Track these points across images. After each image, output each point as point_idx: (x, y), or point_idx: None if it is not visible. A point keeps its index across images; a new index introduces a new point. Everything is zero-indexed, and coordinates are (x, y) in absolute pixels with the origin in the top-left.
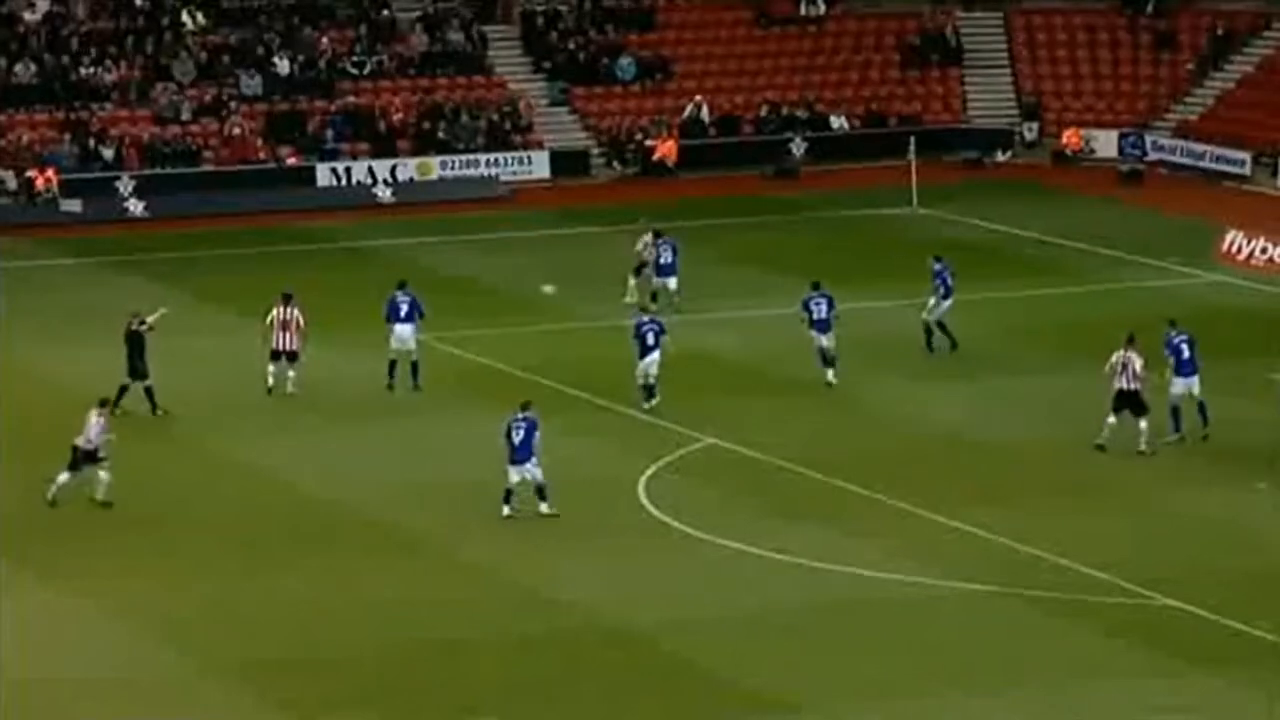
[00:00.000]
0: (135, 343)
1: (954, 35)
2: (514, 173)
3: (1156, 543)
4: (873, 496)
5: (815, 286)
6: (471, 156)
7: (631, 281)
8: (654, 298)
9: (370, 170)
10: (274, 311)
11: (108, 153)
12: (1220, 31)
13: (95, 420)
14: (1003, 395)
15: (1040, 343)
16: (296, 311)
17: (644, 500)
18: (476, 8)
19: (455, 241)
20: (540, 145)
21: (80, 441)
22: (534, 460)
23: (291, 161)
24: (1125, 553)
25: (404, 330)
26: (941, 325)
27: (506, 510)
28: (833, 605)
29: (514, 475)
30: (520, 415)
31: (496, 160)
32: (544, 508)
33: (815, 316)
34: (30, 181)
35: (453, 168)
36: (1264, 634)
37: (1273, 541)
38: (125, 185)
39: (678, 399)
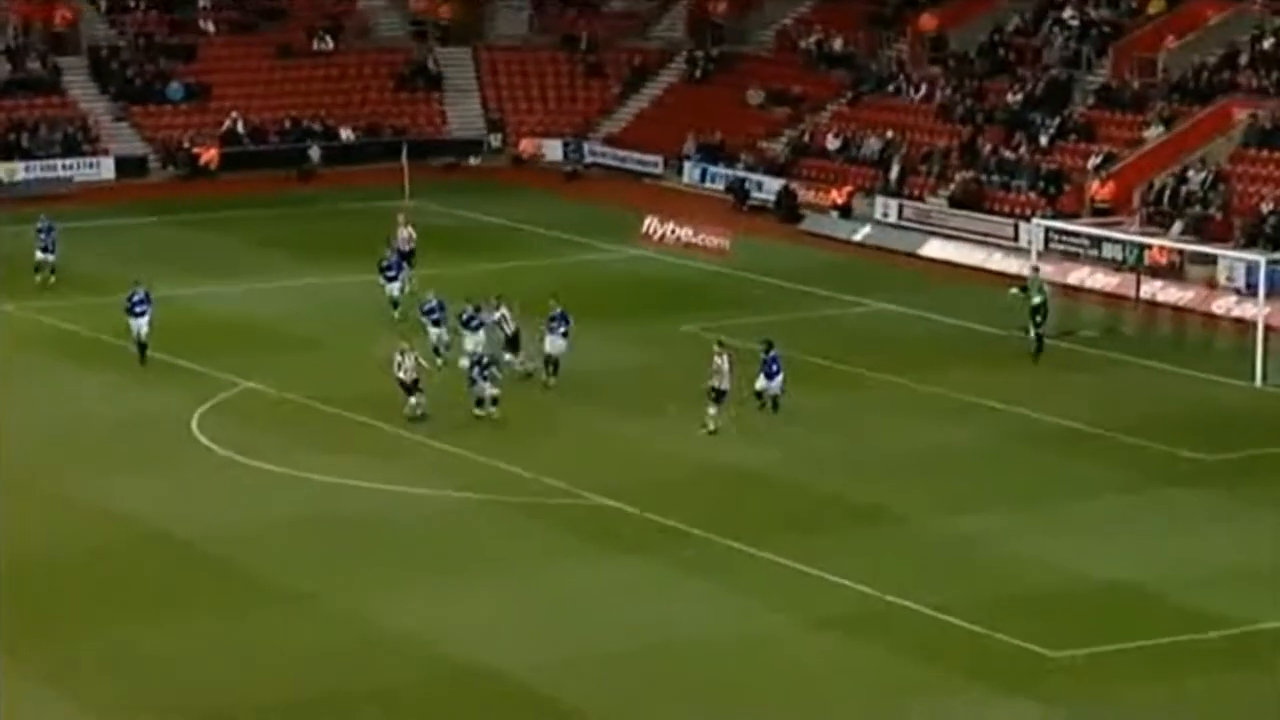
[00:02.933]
0: None
1: (435, 65)
2: (85, 175)
3: (597, 460)
4: (383, 428)
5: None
6: (49, 161)
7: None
8: None
9: None
10: None
11: None
12: (637, 63)
13: None
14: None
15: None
16: None
17: (196, 433)
18: (51, 43)
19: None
20: (106, 153)
21: None
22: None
23: None
24: (573, 467)
25: None
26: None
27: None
28: (347, 514)
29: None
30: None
31: (70, 165)
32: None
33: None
34: None
35: (34, 170)
36: (677, 524)
37: (681, 453)
38: None
39: (223, 353)
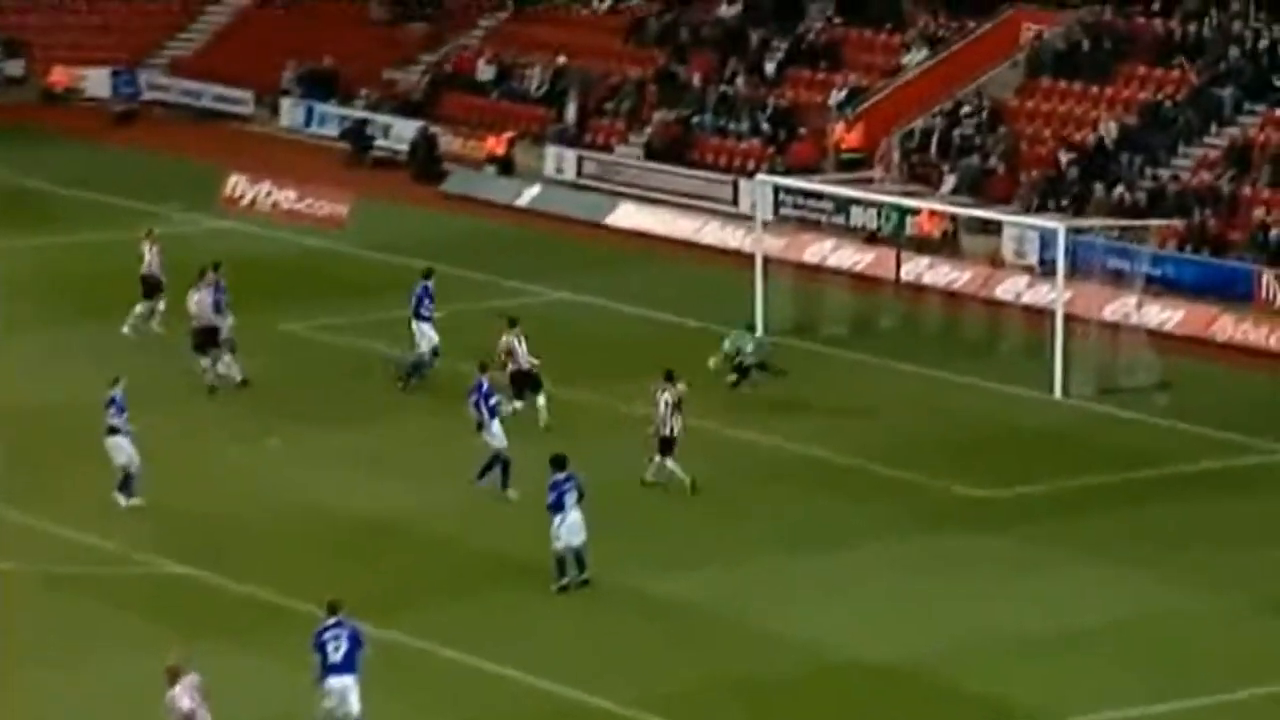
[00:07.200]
0: None
1: None
2: None
3: (170, 512)
4: None
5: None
6: None
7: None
8: None
9: None
10: None
11: None
12: None
13: None
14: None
15: (37, 297)
16: None
17: None
18: None
19: None
20: None
21: None
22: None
23: None
24: (135, 524)
25: None
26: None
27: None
28: None
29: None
30: None
31: None
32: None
33: None
34: None
35: None
36: (279, 598)
37: (274, 488)
38: None
39: None
